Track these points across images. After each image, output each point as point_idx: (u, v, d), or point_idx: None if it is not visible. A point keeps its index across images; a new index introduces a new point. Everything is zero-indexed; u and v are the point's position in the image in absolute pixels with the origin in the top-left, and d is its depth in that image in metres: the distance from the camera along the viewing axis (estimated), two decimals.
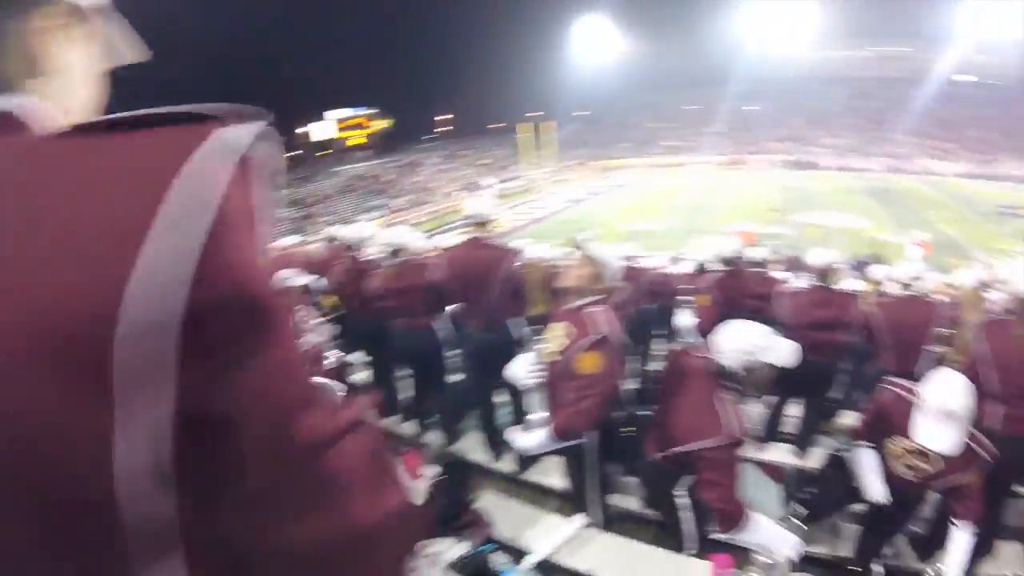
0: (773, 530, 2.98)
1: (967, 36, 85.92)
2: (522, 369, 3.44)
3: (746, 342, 3.02)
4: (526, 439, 3.24)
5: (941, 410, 3.02)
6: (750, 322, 3.21)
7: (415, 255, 5.09)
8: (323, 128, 78.39)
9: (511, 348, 4.45)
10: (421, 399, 5.44)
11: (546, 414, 3.26)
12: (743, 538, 2.93)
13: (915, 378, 3.50)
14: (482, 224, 4.52)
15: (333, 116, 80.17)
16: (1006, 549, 3.97)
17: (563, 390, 3.05)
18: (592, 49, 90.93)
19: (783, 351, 3.04)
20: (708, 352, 3.13)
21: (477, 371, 4.89)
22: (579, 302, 3.11)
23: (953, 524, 3.27)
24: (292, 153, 74.66)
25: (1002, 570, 3.77)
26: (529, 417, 3.57)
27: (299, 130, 77.20)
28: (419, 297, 4.85)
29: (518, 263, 4.49)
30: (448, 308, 5.06)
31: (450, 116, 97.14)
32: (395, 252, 5.00)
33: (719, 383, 3.03)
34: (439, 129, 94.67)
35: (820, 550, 3.97)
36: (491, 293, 4.41)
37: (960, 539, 3.23)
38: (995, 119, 76.98)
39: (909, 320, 4.96)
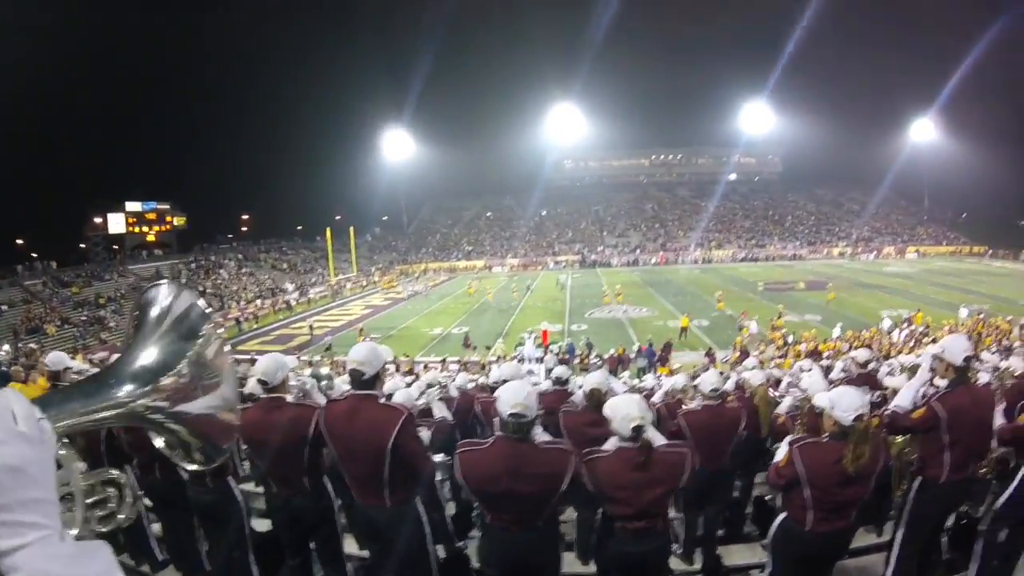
0: None
1: (731, 140, 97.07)
2: None
3: None
4: None
5: None
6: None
7: None
8: (117, 221, 70.86)
9: (328, 513, 4.17)
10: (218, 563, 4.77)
11: None
12: None
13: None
14: (272, 388, 4.08)
15: (125, 208, 72.34)
16: None
17: None
18: (393, 156, 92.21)
19: None
20: None
21: (287, 538, 4.43)
22: None
23: None
24: (80, 247, 67.53)
25: None
26: None
27: (96, 219, 70.30)
28: None
29: (317, 423, 3.93)
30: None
31: (248, 216, 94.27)
32: None
33: None
34: (240, 231, 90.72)
35: None
36: (294, 458, 3.98)
37: None
38: (760, 209, 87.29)
39: (715, 428, 5.14)
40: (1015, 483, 4.53)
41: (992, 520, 4.55)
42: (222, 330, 29.82)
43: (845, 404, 3.56)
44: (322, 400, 4.42)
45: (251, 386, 6.23)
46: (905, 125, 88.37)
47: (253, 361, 5.44)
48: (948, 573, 4.79)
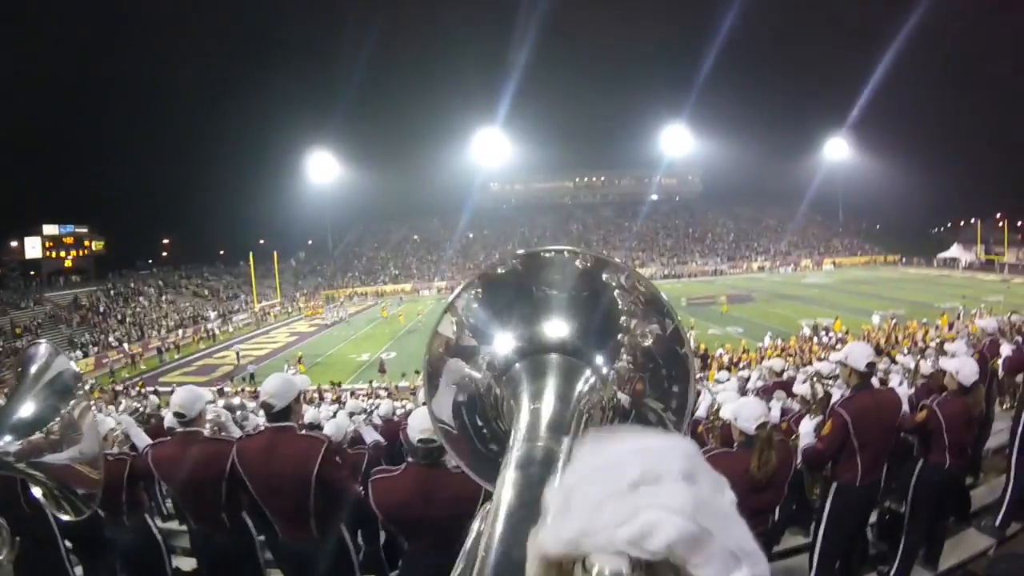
0: None
1: (652, 162, 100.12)
2: None
3: None
4: None
5: None
6: None
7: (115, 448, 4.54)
8: (33, 245, 67.24)
9: (249, 550, 4.05)
10: None
11: None
12: None
13: None
14: (189, 421, 3.95)
15: (42, 232, 68.32)
16: None
17: None
18: (318, 178, 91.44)
19: None
20: None
21: None
22: None
23: None
24: None
25: None
26: None
27: (12, 243, 66.65)
28: (122, 495, 4.16)
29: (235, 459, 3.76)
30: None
31: (168, 241, 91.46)
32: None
33: None
34: (160, 255, 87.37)
35: None
36: (212, 494, 3.83)
37: None
38: (682, 227, 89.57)
39: None
40: (915, 474, 4.83)
41: (911, 511, 4.82)
42: (89, 387, 29.20)
43: (747, 414, 3.72)
44: (237, 432, 4.34)
45: (169, 420, 6.09)
46: (819, 144, 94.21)
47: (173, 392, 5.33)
48: (877, 565, 5.00)
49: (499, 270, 0.84)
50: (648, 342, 0.78)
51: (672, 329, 0.79)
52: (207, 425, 4.38)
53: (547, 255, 0.85)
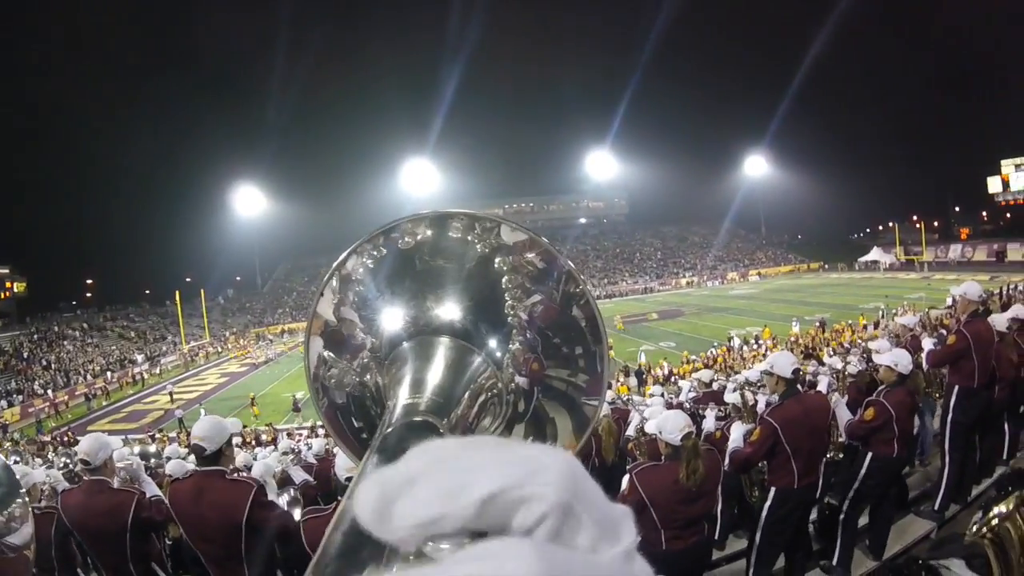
0: None
1: (579, 187, 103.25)
2: None
3: None
4: None
5: None
6: None
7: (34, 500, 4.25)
8: None
9: None
10: None
11: None
12: None
13: None
14: (95, 468, 3.71)
15: None
16: None
17: None
18: (245, 213, 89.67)
19: None
20: None
21: None
22: None
23: None
24: None
25: None
26: None
27: None
28: (51, 550, 3.93)
29: (147, 508, 3.69)
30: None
31: (91, 280, 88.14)
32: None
33: None
34: (84, 295, 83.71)
35: None
36: (117, 545, 3.63)
37: None
38: (611, 249, 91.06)
39: None
40: (864, 467, 4.88)
41: (851, 502, 4.87)
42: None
43: (671, 427, 3.75)
44: (148, 482, 4.10)
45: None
46: (739, 162, 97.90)
47: None
48: (819, 560, 5.05)
49: (398, 237, 0.73)
50: (537, 316, 0.70)
51: (563, 292, 0.72)
52: (119, 474, 4.18)
53: (445, 224, 0.73)
